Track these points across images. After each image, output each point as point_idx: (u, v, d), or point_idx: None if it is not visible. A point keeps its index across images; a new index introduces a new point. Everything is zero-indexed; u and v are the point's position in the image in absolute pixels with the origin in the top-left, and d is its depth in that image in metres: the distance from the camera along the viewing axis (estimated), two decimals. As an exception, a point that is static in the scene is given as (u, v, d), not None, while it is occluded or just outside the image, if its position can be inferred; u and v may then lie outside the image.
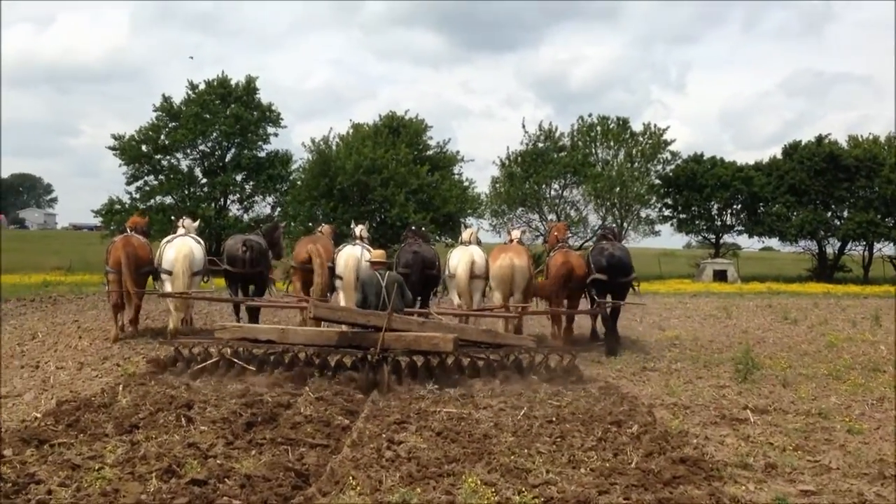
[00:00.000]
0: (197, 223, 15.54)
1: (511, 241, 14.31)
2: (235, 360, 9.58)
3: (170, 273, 12.47)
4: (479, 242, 14.33)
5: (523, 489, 5.30)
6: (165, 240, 13.33)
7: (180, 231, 13.76)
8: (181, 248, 12.59)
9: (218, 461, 5.83)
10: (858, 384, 9.62)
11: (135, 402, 7.66)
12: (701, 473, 5.69)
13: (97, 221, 41.22)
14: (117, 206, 37.40)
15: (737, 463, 6.07)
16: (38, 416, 7.16)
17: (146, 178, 38.58)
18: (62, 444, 6.23)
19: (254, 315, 13.34)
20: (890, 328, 17.31)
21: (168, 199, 38.36)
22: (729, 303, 25.52)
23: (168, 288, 12.50)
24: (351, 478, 5.44)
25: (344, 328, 10.21)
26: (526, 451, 6.24)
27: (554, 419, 7.33)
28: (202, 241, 13.80)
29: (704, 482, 5.52)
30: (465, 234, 14.30)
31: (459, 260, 13.12)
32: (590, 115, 41.71)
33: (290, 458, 5.98)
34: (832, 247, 43.25)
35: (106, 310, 18.05)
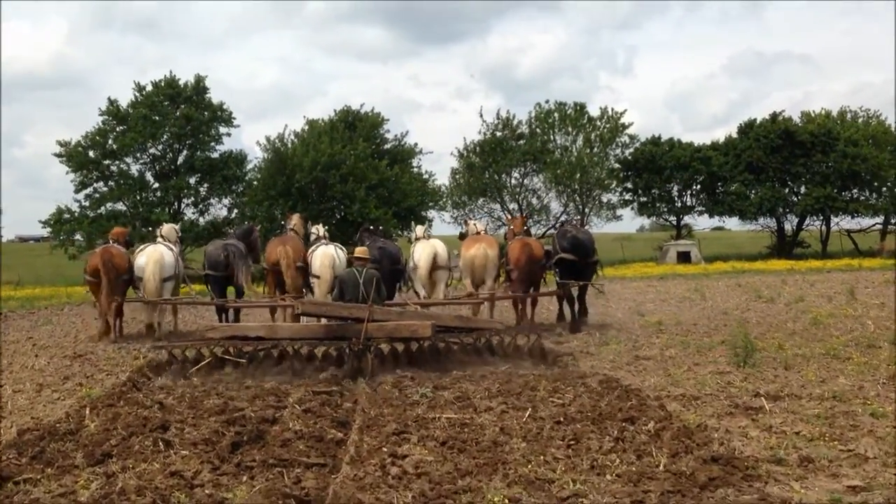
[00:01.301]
0: (177, 227, 16.05)
1: (479, 231, 15.01)
2: (228, 358, 9.99)
3: (141, 279, 13.27)
4: (428, 237, 14.97)
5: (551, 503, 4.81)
6: (138, 248, 14.08)
7: (158, 239, 14.34)
8: (151, 255, 13.32)
9: (206, 491, 5.22)
10: (862, 363, 9.32)
11: (104, 427, 6.98)
12: (737, 473, 5.25)
13: (45, 232, 39.73)
14: (66, 216, 36.03)
15: (769, 458, 5.64)
16: (-2, 448, 6.46)
17: (95, 185, 37.17)
18: (28, 480, 5.57)
19: (236, 316, 14.26)
20: (867, 302, 17.25)
21: (119, 206, 37.06)
22: (698, 284, 25.40)
23: (142, 293, 13.25)
24: (358, 502, 4.89)
25: (324, 321, 10.61)
26: (542, 457, 5.75)
27: (562, 419, 6.85)
28: (174, 248, 14.28)
29: (744, 483, 5.08)
30: (419, 231, 15.32)
31: (422, 252, 13.94)
32: (546, 102, 41.51)
33: (287, 481, 5.40)
34: (790, 223, 43.66)
35: (61, 325, 17.32)
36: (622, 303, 19.46)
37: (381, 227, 19.25)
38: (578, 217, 41.08)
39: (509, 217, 18.53)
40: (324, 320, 10.66)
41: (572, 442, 6.16)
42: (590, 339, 12.58)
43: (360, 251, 11.72)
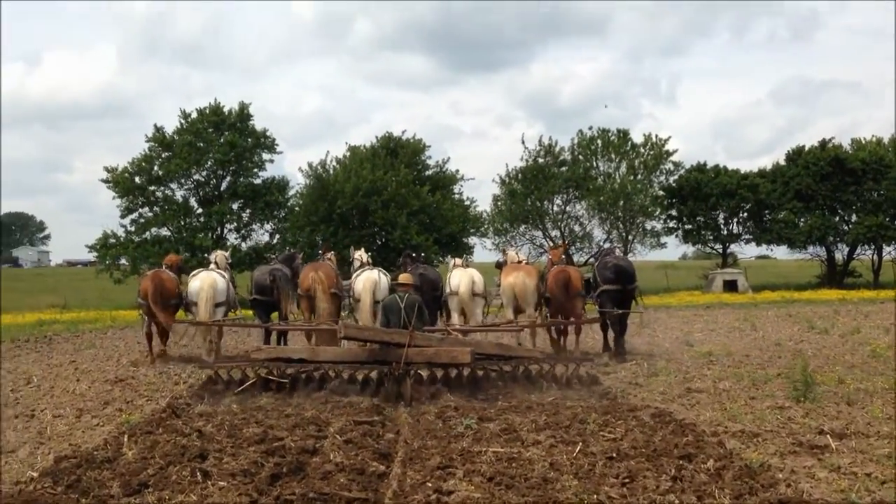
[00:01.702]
0: (228, 253, 16.70)
1: (520, 261, 15.31)
2: (272, 378, 10.31)
3: (195, 304, 13.67)
4: (465, 266, 15.23)
5: (609, 548, 4.49)
6: (192, 273, 14.54)
7: (212, 265, 14.93)
8: (205, 280, 13.79)
9: (244, 527, 5.01)
10: (930, 399, 8.84)
11: (142, 455, 6.82)
12: (808, 518, 4.89)
13: (91, 257, 40.29)
14: (112, 240, 36.46)
15: (841, 502, 5.26)
16: (35, 475, 6.33)
17: (140, 210, 37.57)
18: (62, 510, 5.41)
19: (285, 340, 14.78)
20: (927, 334, 16.56)
21: (164, 231, 37.48)
22: (747, 313, 24.82)
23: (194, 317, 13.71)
24: (402, 541, 4.62)
25: (367, 345, 10.85)
26: (595, 496, 5.44)
27: (615, 455, 6.52)
28: (226, 275, 14.67)
29: (817, 530, 4.71)
30: (457, 260, 15.84)
31: (461, 280, 14.08)
32: (590, 129, 41.10)
33: (327, 518, 5.16)
34: (841, 252, 42.55)
35: (104, 348, 17.38)
36: (669, 332, 18.99)
37: (422, 254, 20.02)
38: (619, 244, 40.57)
39: (551, 245, 18.48)
40: (367, 344, 10.80)
41: (627, 480, 5.84)
42: (638, 369, 12.21)
43: (403, 277, 12.08)
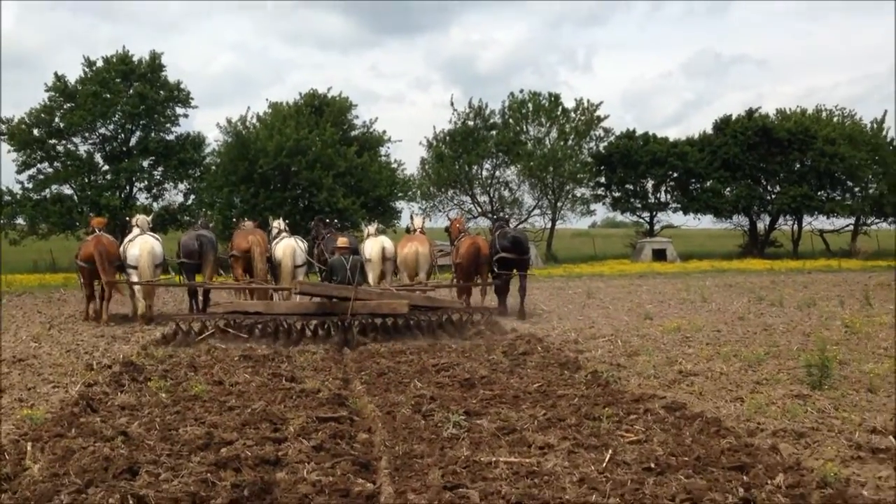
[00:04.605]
0: (150, 217, 17.11)
1: (416, 230, 16.86)
2: (230, 330, 11.63)
3: (135, 267, 14.46)
4: (378, 234, 16.88)
5: None
6: (127, 238, 15.37)
7: (135, 230, 15.51)
8: (144, 245, 14.60)
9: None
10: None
11: (52, 471, 5.26)
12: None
13: (-16, 216, 36.94)
14: (7, 198, 33.45)
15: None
16: None
17: (40, 165, 34.48)
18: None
19: (206, 300, 15.58)
20: (883, 307, 16.11)
21: (66, 189, 34.58)
22: (687, 283, 24.37)
23: (135, 279, 14.52)
24: None
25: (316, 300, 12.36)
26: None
27: (653, 465, 5.33)
28: (160, 238, 15.73)
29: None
30: (371, 229, 17.37)
31: (373, 247, 15.92)
32: (521, 92, 39.88)
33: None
34: (763, 222, 42.93)
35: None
36: (618, 303, 18.18)
37: (335, 220, 22.42)
38: (548, 211, 39.94)
39: (459, 214, 19.32)
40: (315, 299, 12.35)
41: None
42: (612, 347, 11.16)
43: (342, 241, 13.95)
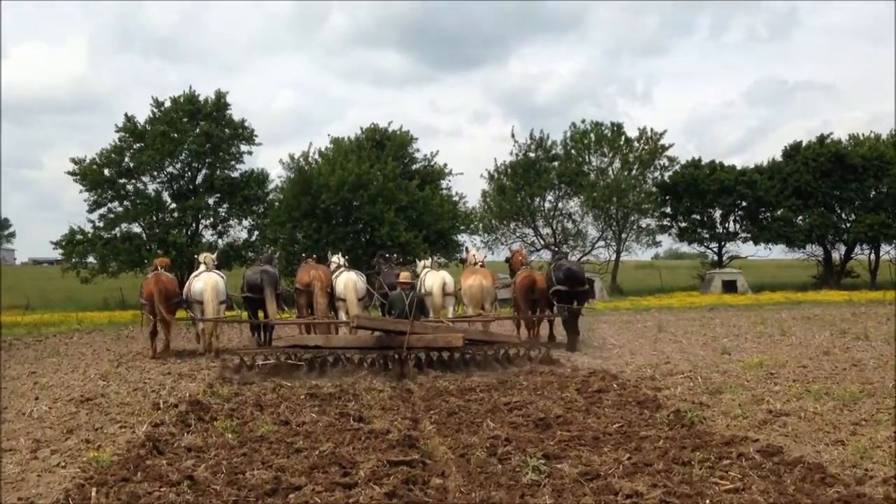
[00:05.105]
0: (215, 255, 17.33)
1: (476, 263, 16.88)
2: (292, 361, 12.00)
3: (200, 303, 14.87)
4: (437, 268, 16.87)
5: None
6: (193, 274, 15.95)
7: (202, 266, 15.85)
8: (208, 281, 15.01)
9: None
10: None
11: (116, 519, 5.05)
12: None
13: (57, 254, 37.86)
14: (79, 237, 34.18)
15: None
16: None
17: (110, 204, 35.19)
18: None
19: (270, 336, 15.71)
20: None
21: (135, 227, 35.23)
22: (762, 316, 23.45)
23: (199, 315, 14.95)
24: None
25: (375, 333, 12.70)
26: None
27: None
28: (224, 275, 16.06)
29: None
30: (427, 262, 17.23)
31: (434, 281, 15.88)
32: (583, 122, 39.44)
33: None
34: (837, 251, 41.37)
35: (69, 356, 15.52)
36: (691, 337, 17.47)
37: (395, 255, 22.60)
38: (613, 242, 39.26)
39: (513, 250, 19.08)
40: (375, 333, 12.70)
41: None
42: (693, 384, 10.60)
43: (404, 276, 14.22)
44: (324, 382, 11.04)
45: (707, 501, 5.18)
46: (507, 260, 18.53)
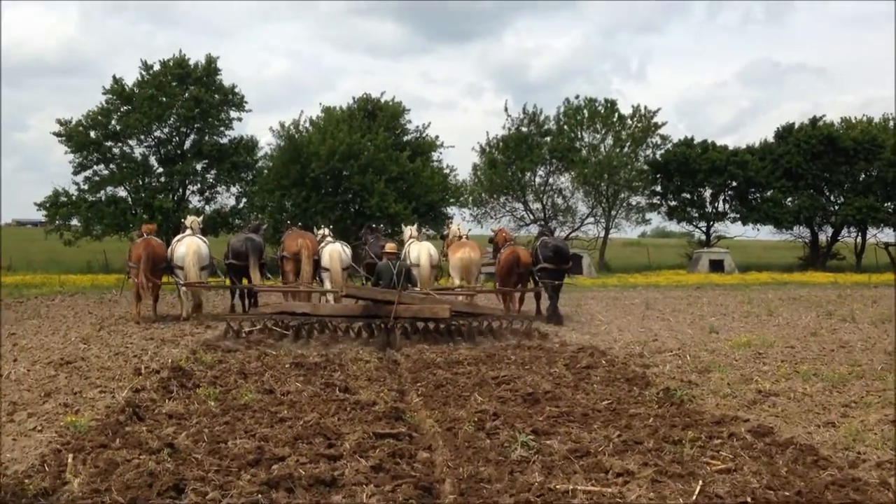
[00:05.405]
0: (200, 219, 17.33)
1: (461, 236, 17.24)
2: (277, 329, 11.95)
3: (181, 267, 14.85)
4: (420, 239, 17.43)
5: None
6: (176, 239, 15.79)
7: (187, 230, 15.91)
8: (190, 245, 15.00)
9: None
10: None
11: (92, 486, 4.90)
12: None
13: (41, 216, 37.44)
14: (63, 199, 33.77)
15: None
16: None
17: (95, 167, 34.73)
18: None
19: (255, 301, 16.01)
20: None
21: (121, 191, 34.81)
22: (749, 295, 23.47)
23: (181, 280, 14.93)
24: None
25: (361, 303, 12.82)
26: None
27: (749, 500, 4.76)
28: (207, 240, 15.97)
29: None
30: (413, 230, 17.74)
31: (420, 252, 16.10)
32: (576, 98, 39.21)
33: None
34: (825, 233, 41.50)
35: (50, 318, 15.33)
36: (679, 315, 17.46)
37: (381, 226, 23.16)
38: (602, 219, 39.20)
39: (494, 230, 19.21)
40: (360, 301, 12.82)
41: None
42: (681, 362, 10.53)
43: (390, 247, 14.36)
44: (309, 352, 10.87)
45: (700, 482, 5.07)
46: (491, 240, 18.66)
